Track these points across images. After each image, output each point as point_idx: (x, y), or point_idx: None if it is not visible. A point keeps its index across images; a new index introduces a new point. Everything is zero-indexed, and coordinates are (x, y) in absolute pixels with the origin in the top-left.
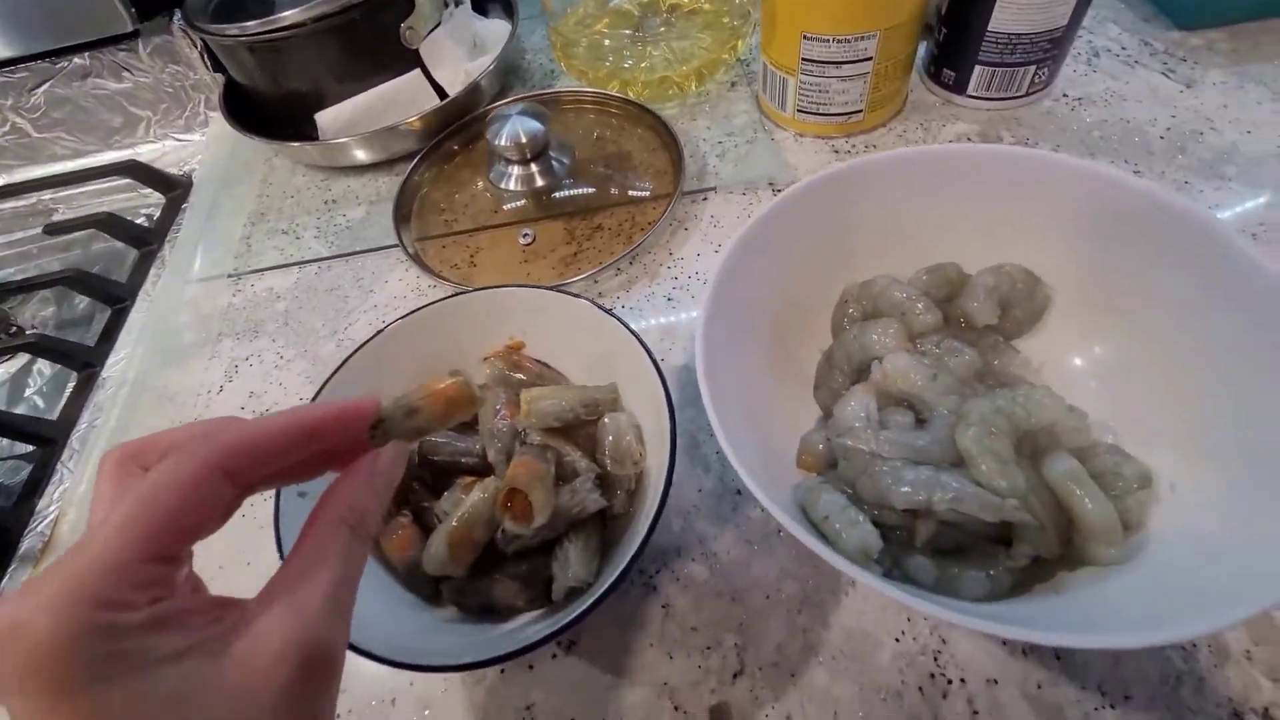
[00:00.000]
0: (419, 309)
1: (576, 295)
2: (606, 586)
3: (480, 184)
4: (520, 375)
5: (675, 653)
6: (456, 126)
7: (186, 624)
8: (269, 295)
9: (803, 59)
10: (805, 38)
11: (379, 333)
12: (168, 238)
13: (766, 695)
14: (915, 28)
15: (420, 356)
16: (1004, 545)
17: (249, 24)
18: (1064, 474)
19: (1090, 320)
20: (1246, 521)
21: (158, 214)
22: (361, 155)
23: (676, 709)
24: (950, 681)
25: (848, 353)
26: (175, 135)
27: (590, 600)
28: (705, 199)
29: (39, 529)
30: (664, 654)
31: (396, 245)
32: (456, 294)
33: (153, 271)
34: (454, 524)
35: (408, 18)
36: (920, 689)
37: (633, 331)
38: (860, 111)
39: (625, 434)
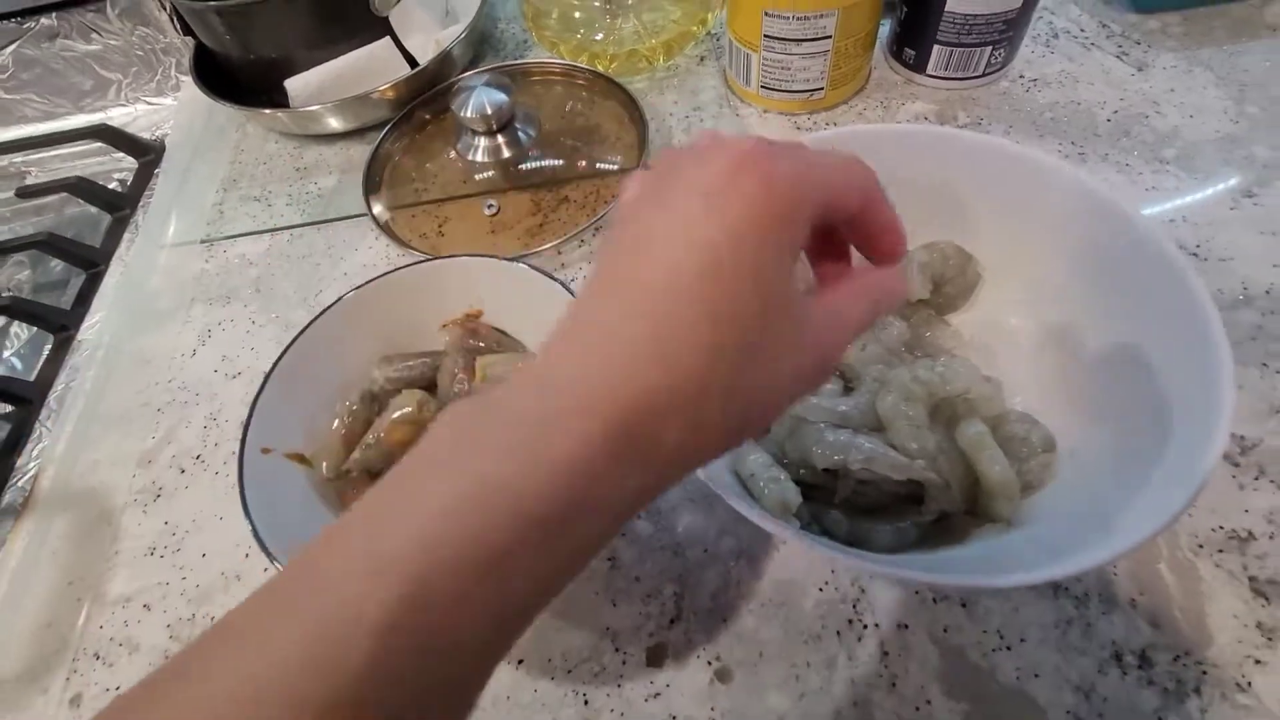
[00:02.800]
0: (379, 276)
1: (530, 266)
2: None
3: (451, 153)
4: (478, 343)
5: (619, 600)
6: (428, 95)
7: None
8: (241, 261)
9: (765, 35)
10: (766, 14)
11: (340, 299)
12: (141, 202)
13: (700, 638)
14: (875, 6)
15: (382, 322)
16: (917, 504)
17: None
18: (972, 438)
19: (1014, 297)
20: (1127, 485)
21: (130, 178)
22: (334, 123)
23: (617, 650)
24: (866, 626)
25: None
26: (147, 99)
27: None
28: None
29: (19, 484)
30: (608, 601)
31: (366, 214)
32: (415, 263)
33: (126, 236)
34: None
35: None
36: (838, 633)
37: None
38: (822, 89)
39: None
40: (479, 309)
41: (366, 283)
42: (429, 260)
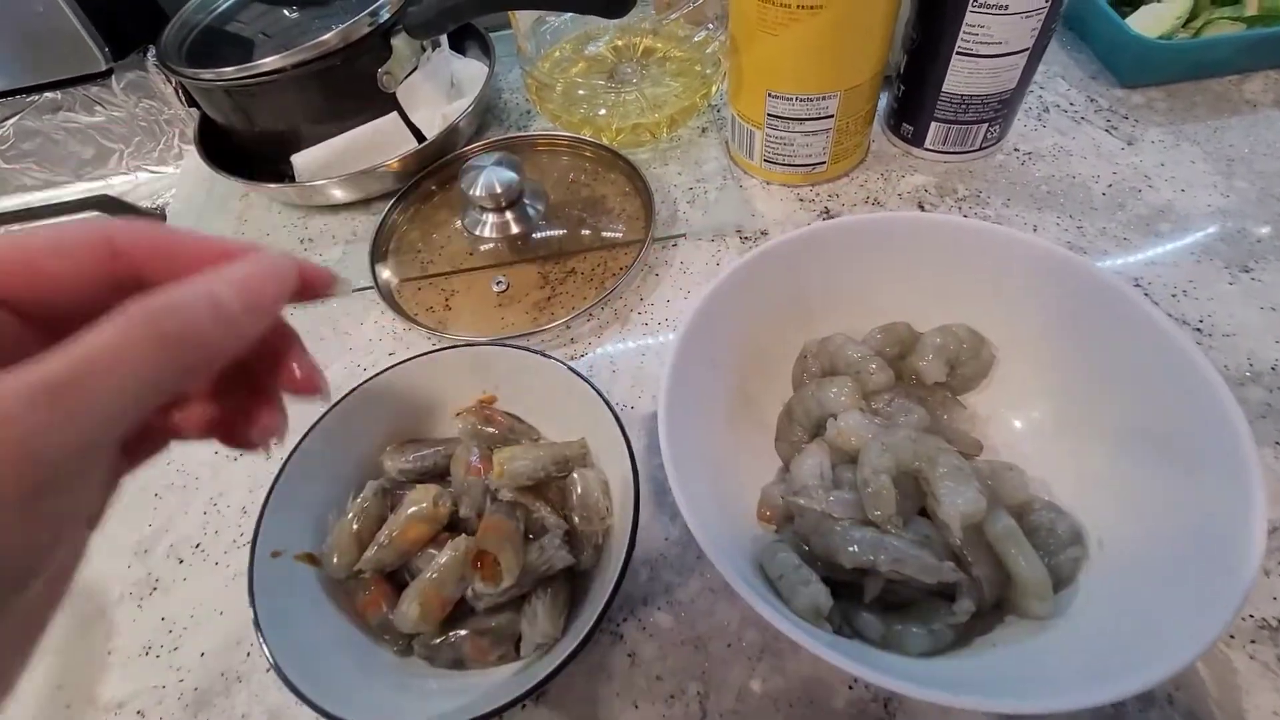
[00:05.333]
0: (389, 368)
1: (544, 354)
2: (575, 646)
3: (457, 224)
4: (492, 429)
5: (640, 701)
6: (434, 167)
7: None
8: None
9: (768, 114)
10: (770, 95)
11: (350, 393)
12: None
13: None
14: (875, 87)
15: (393, 412)
16: (948, 600)
17: (226, 70)
18: (1000, 531)
19: (1029, 380)
20: (1165, 578)
21: None
22: (339, 195)
23: None
24: None
25: (806, 408)
26: (149, 168)
27: (559, 661)
28: (675, 245)
29: None
30: (629, 703)
31: (372, 287)
32: (426, 354)
33: None
34: (425, 583)
35: (385, 63)
36: None
37: (599, 392)
38: (824, 163)
39: (593, 490)
40: (492, 395)
41: (376, 375)
42: (439, 351)
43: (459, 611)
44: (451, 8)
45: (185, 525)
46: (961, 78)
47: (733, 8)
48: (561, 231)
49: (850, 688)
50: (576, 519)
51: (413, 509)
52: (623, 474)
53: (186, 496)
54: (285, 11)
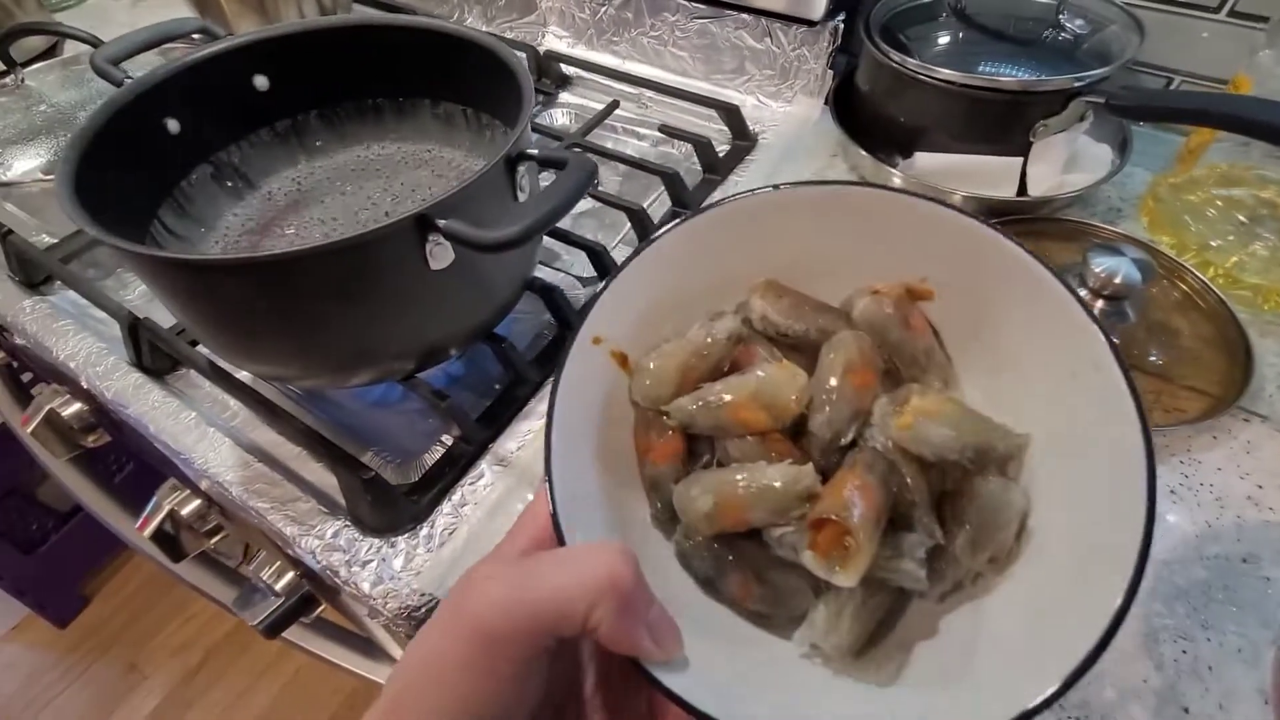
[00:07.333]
0: (800, 183)
1: (1044, 262)
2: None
3: None
4: (900, 334)
5: None
6: (1017, 217)
7: None
8: None
9: None
10: None
11: (736, 198)
12: (728, 176)
13: None
14: None
15: (776, 245)
16: None
17: (909, 59)
18: None
19: None
20: None
21: (725, 152)
22: None
23: None
24: None
25: None
26: (762, 98)
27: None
28: (1248, 421)
29: None
30: None
31: None
32: (868, 184)
33: (714, 197)
34: (732, 491)
35: (1047, 117)
36: None
37: (1123, 366)
38: None
39: (1003, 518)
40: (929, 287)
41: (774, 187)
42: (888, 190)
43: (742, 534)
44: (1161, 109)
45: None
46: None
47: None
48: (1122, 341)
49: None
50: (959, 542)
51: (761, 387)
52: (1083, 517)
53: None
54: (967, 31)
